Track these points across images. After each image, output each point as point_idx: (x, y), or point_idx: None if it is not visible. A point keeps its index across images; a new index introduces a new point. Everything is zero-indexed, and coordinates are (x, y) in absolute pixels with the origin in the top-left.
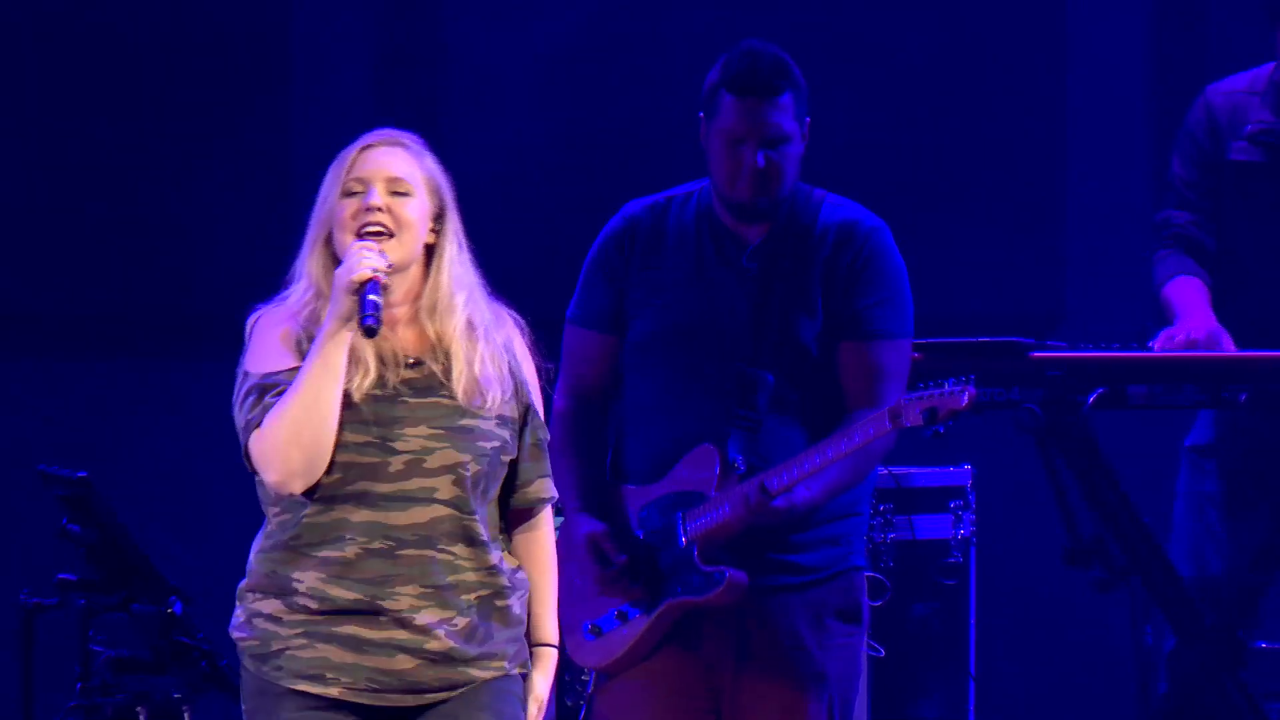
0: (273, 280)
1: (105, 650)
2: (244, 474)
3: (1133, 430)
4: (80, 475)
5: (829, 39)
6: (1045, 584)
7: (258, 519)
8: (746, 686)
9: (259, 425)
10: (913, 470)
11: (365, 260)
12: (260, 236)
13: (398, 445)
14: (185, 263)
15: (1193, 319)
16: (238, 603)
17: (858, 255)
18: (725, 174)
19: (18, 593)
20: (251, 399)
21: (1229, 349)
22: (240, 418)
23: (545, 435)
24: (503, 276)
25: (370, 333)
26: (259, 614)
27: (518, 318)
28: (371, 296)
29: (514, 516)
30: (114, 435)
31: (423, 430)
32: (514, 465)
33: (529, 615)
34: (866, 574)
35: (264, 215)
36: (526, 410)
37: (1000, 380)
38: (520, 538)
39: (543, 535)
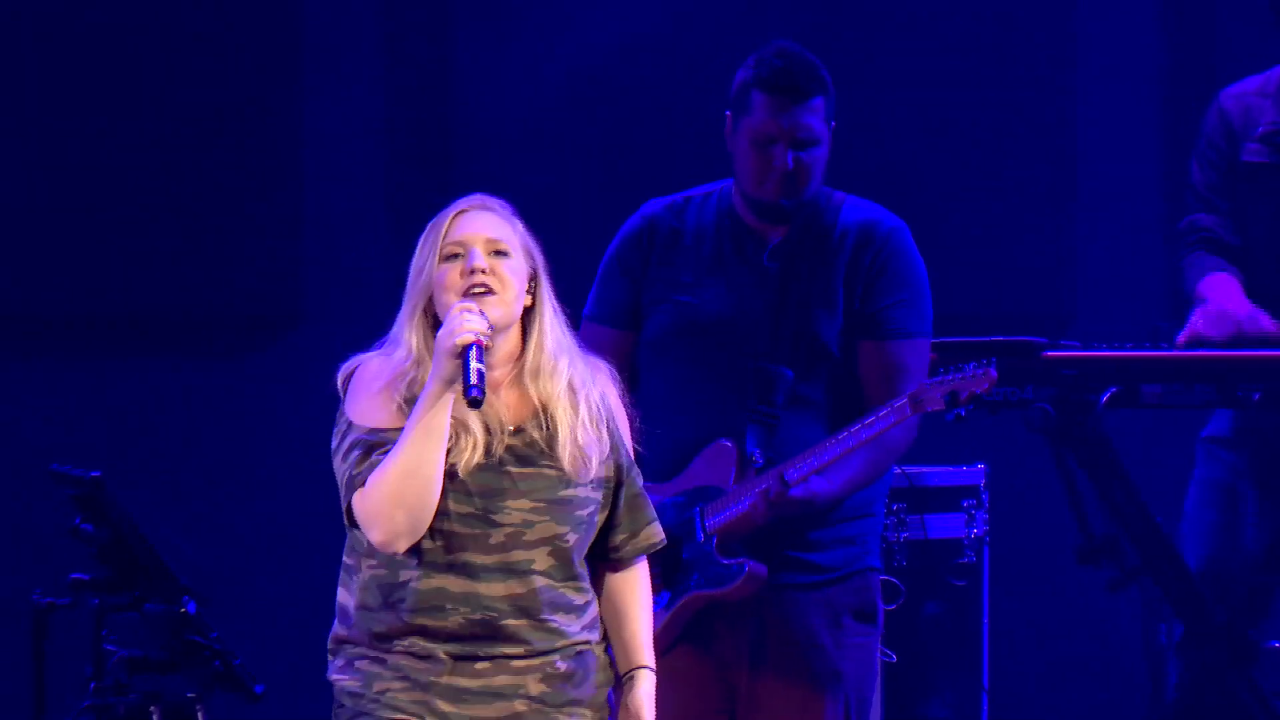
0: (284, 282)
1: (118, 650)
2: (256, 473)
3: (1146, 429)
4: (93, 475)
5: (840, 40)
6: (1058, 583)
7: (270, 518)
8: (762, 685)
9: (363, 484)
10: (926, 469)
11: (468, 323)
12: (273, 239)
13: (499, 518)
14: (199, 264)
15: (1228, 300)
16: (332, 655)
17: (877, 255)
18: (753, 173)
19: (30, 592)
20: (357, 453)
21: (1268, 326)
22: (343, 471)
23: (642, 482)
24: None
25: (476, 404)
26: (362, 657)
27: (610, 369)
28: (476, 364)
29: (621, 563)
30: (126, 435)
31: (524, 504)
32: (618, 518)
33: (626, 641)
34: (881, 577)
35: (277, 217)
36: (621, 467)
37: (1013, 379)
38: (623, 577)
39: (643, 568)
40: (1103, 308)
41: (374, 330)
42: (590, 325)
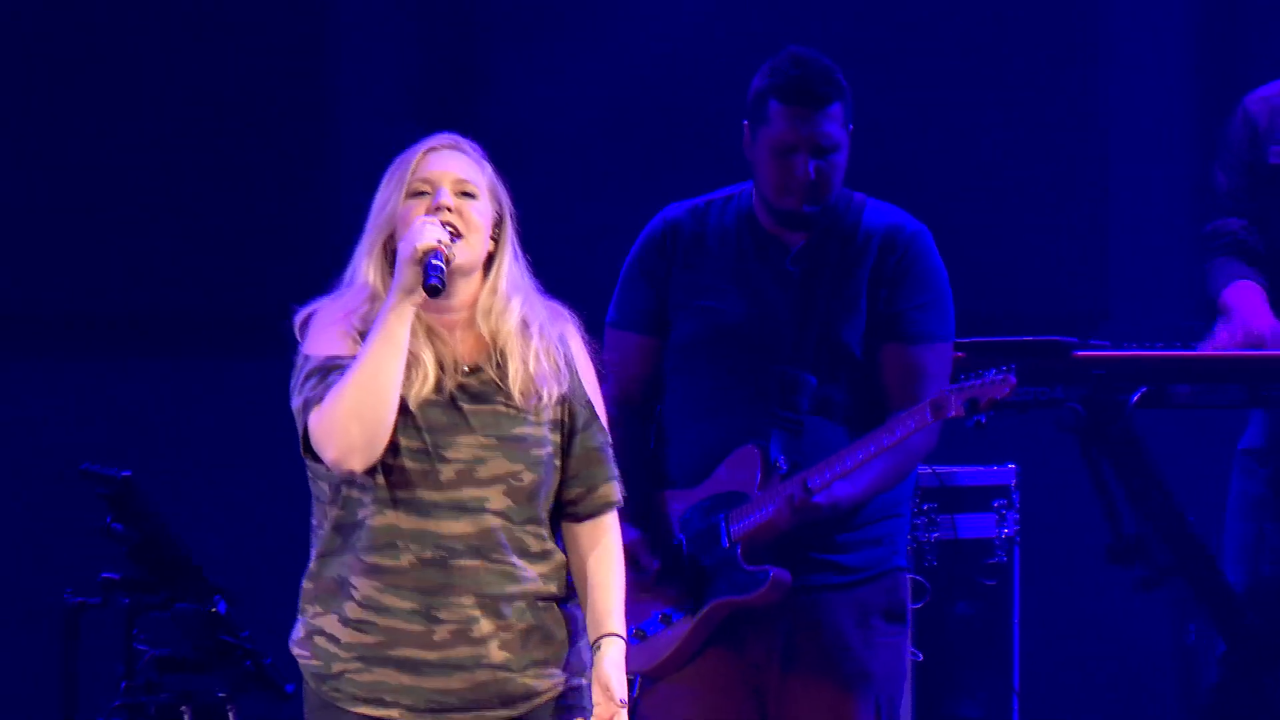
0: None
1: (149, 649)
2: (287, 472)
3: (1176, 429)
4: (124, 474)
5: (869, 39)
6: (1089, 583)
7: (301, 517)
8: (792, 687)
9: (319, 402)
10: (956, 469)
11: (429, 232)
12: (304, 237)
13: (449, 454)
14: (229, 263)
15: (1253, 316)
16: (299, 614)
17: (901, 259)
18: (774, 183)
19: (62, 592)
20: (314, 380)
21: None
22: (298, 399)
23: (606, 438)
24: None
25: (434, 292)
26: (319, 631)
27: (573, 318)
28: (435, 262)
29: (577, 518)
30: (157, 435)
31: (475, 439)
32: (574, 469)
33: (593, 608)
34: (909, 576)
35: (307, 216)
36: (583, 411)
37: (1044, 379)
38: (585, 536)
39: (609, 531)
40: (1133, 307)
41: None
42: (614, 331)
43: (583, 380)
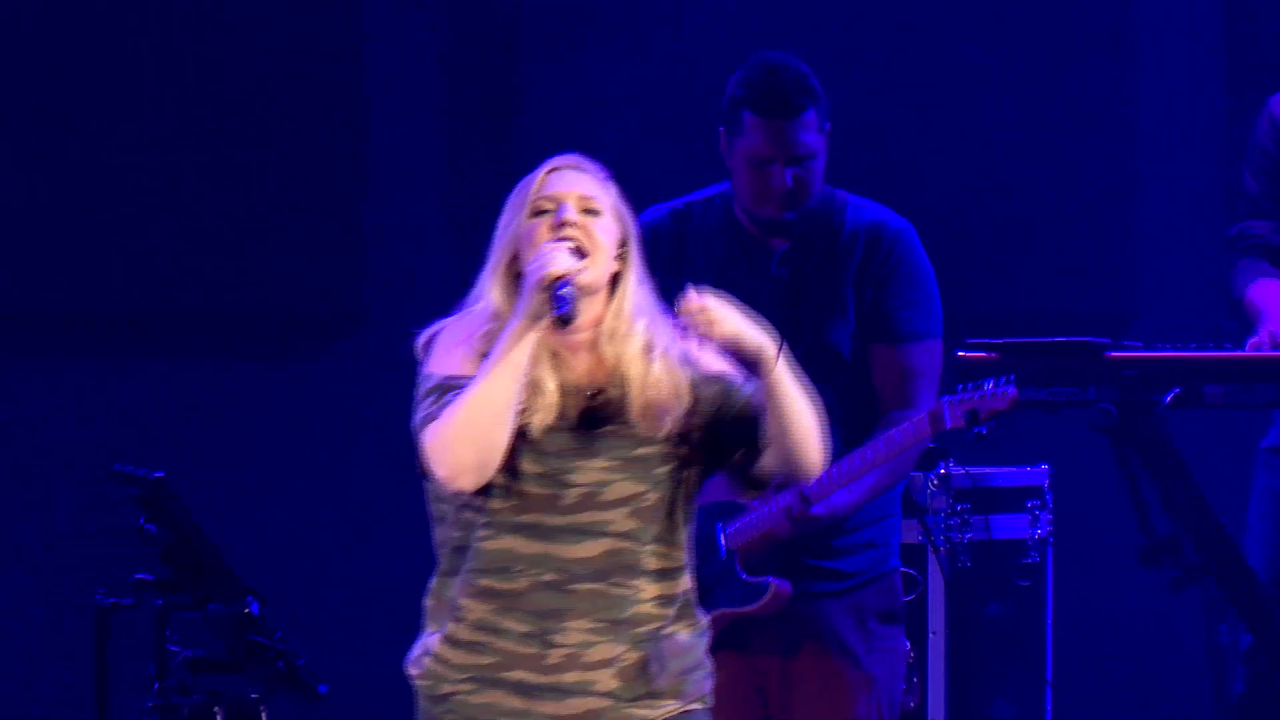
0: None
1: (181, 650)
2: (319, 474)
3: (1209, 430)
4: (156, 475)
5: (902, 39)
6: (1121, 583)
7: (333, 519)
8: (796, 693)
9: (435, 420)
10: (990, 470)
11: (559, 258)
12: (336, 241)
13: (572, 478)
14: (262, 266)
15: (1277, 320)
16: (421, 631)
17: (887, 258)
18: (752, 193)
19: (94, 593)
20: (431, 398)
21: None
22: (417, 416)
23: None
24: None
25: (564, 322)
26: (430, 652)
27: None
28: (564, 290)
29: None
30: (189, 436)
31: (599, 464)
32: (739, 419)
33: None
34: (900, 571)
35: (340, 220)
36: (722, 391)
37: (1076, 380)
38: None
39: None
40: (1165, 308)
41: None
42: None
43: (718, 376)
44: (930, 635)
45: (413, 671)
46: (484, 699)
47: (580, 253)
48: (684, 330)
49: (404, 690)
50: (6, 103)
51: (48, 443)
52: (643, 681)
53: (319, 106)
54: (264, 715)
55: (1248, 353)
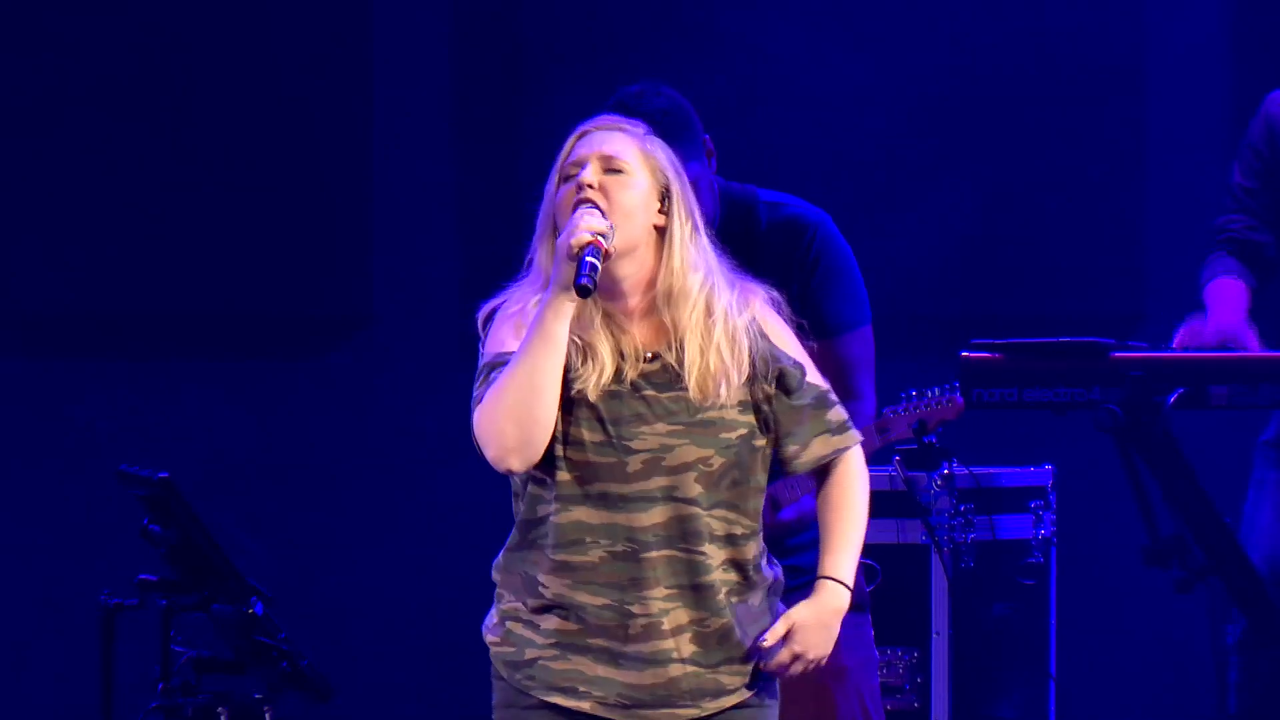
0: (354, 283)
1: (186, 651)
2: (324, 474)
3: (1213, 430)
4: (161, 476)
5: (907, 43)
6: (1126, 584)
7: (340, 519)
8: None
9: (480, 401)
10: (993, 470)
11: (585, 223)
12: (343, 240)
13: (635, 444)
14: (269, 266)
15: (1220, 315)
16: (494, 600)
17: (806, 252)
18: None
19: (99, 593)
20: (481, 377)
21: (1252, 347)
22: (472, 396)
23: (819, 391)
24: None
25: (584, 292)
26: (514, 617)
27: (770, 292)
28: (589, 259)
29: (796, 472)
30: (195, 436)
31: (661, 428)
32: (786, 428)
33: (822, 551)
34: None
35: (347, 219)
36: (792, 373)
37: (1081, 380)
38: (819, 484)
39: (840, 481)
40: (1170, 309)
41: (444, 331)
42: None
43: (782, 346)
44: (934, 636)
45: (491, 638)
46: (568, 665)
47: (595, 207)
48: (747, 290)
49: (406, 691)
50: (10, 103)
51: (54, 443)
52: (723, 648)
53: (327, 108)
54: (268, 715)
55: (1252, 353)
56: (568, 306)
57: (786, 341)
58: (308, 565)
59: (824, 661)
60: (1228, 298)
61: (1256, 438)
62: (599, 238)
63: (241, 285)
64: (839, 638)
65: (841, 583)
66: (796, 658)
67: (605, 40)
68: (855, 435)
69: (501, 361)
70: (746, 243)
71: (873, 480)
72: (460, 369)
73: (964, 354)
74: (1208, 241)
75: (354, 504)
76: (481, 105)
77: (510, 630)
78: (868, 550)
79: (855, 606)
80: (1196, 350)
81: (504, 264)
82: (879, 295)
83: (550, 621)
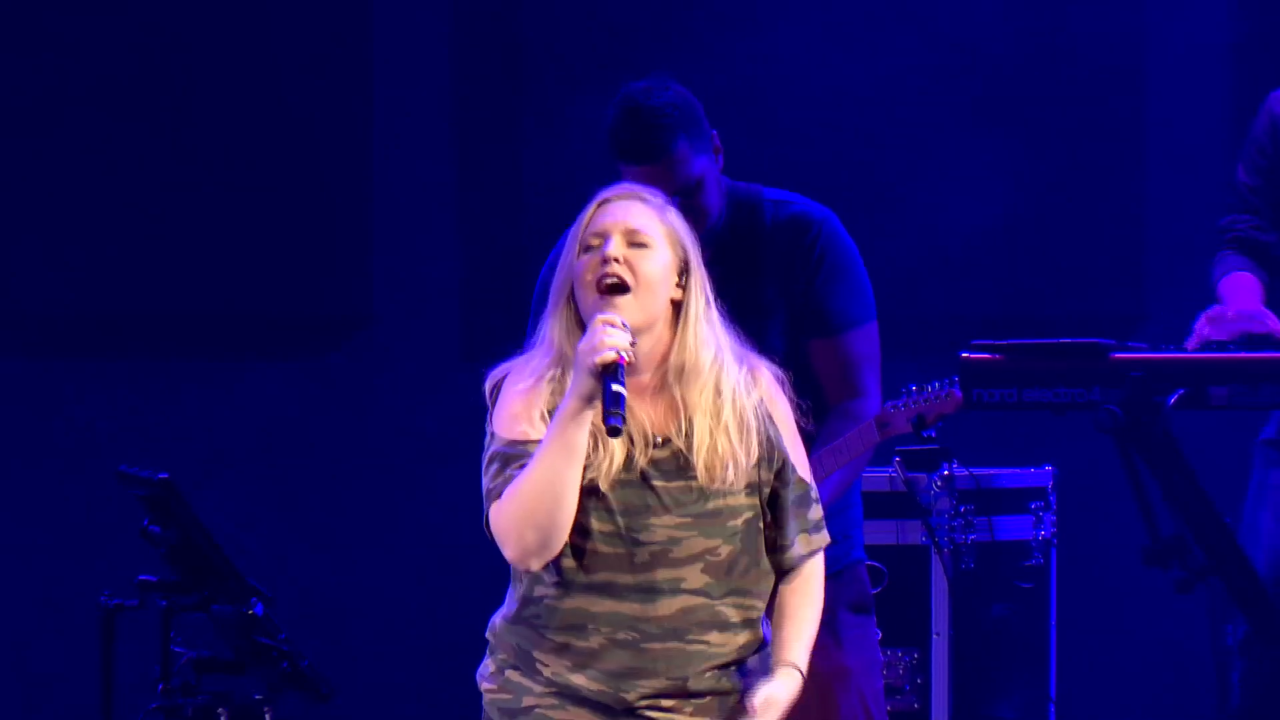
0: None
1: (186, 651)
2: (323, 474)
3: (1214, 431)
4: (161, 476)
5: (902, 41)
6: (1126, 585)
7: (340, 520)
8: None
9: (498, 497)
10: (993, 471)
11: (609, 339)
12: (342, 241)
13: (642, 536)
14: (268, 266)
15: (1239, 300)
16: (488, 654)
17: (811, 249)
18: None
19: (99, 594)
20: (495, 467)
21: (1275, 328)
22: (484, 484)
23: (805, 491)
24: None
25: (614, 433)
26: (512, 667)
27: (774, 370)
28: (615, 388)
29: (779, 566)
30: (194, 436)
31: (669, 520)
32: (777, 521)
33: (779, 637)
34: (867, 563)
35: (347, 219)
36: (778, 473)
37: (1081, 381)
38: (785, 579)
39: (809, 576)
40: (1170, 310)
41: (444, 331)
42: None
43: (783, 434)
44: (934, 637)
45: (487, 685)
46: (565, 715)
47: (622, 287)
48: (756, 368)
49: (406, 691)
50: (10, 102)
51: (54, 443)
52: (719, 713)
53: (327, 108)
54: (268, 716)
55: (1253, 354)
56: (587, 414)
57: (788, 429)
58: (308, 565)
59: None
60: (1243, 287)
61: (1255, 437)
62: (622, 355)
63: (241, 285)
64: (843, 639)
65: (800, 671)
66: None
67: (605, 40)
68: (826, 537)
69: (517, 455)
70: (751, 240)
71: (873, 481)
72: (460, 369)
73: (964, 354)
74: (1214, 241)
75: (354, 504)
76: (481, 105)
77: (508, 679)
78: (872, 552)
79: (861, 609)
80: (1198, 352)
81: (504, 264)
82: (879, 296)
83: (547, 677)
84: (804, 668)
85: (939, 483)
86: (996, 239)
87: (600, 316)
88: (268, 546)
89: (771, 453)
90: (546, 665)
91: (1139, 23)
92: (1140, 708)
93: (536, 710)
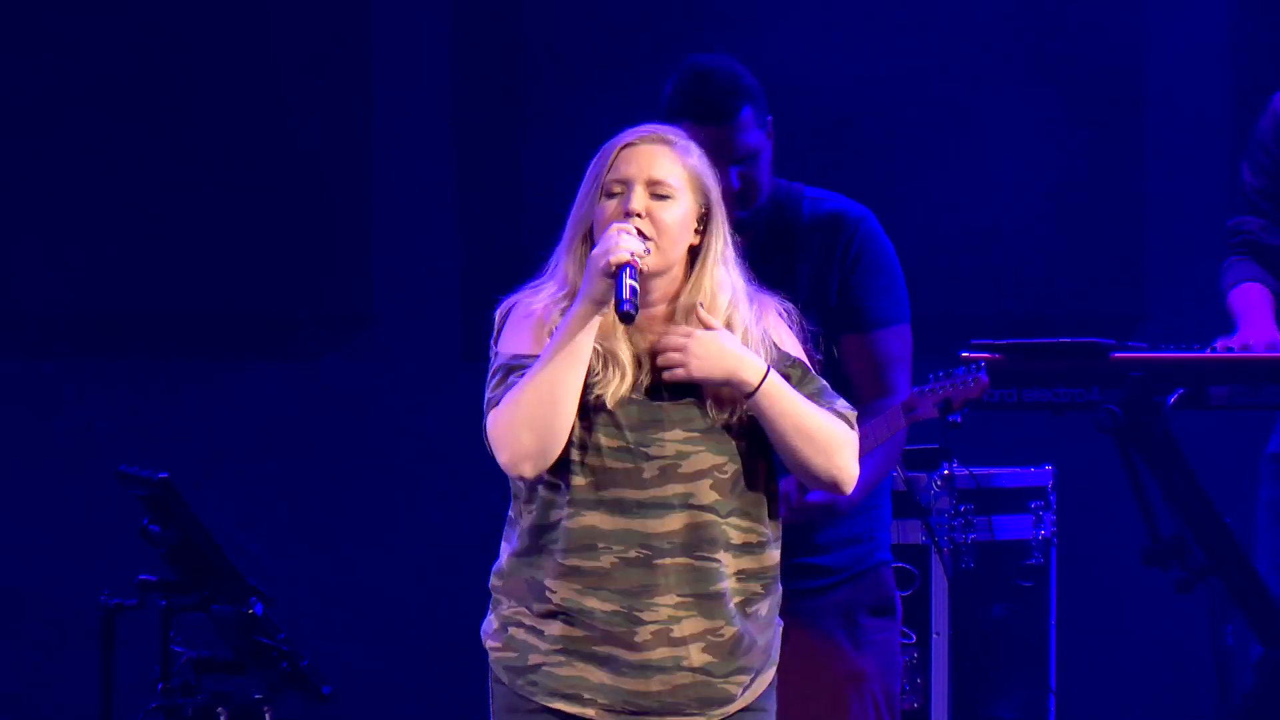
0: (355, 282)
1: (186, 651)
2: (323, 474)
3: (1213, 431)
4: (161, 476)
5: (901, 41)
6: (1126, 585)
7: (340, 519)
8: (786, 691)
9: (497, 404)
10: (993, 471)
11: (624, 243)
12: (342, 240)
13: (651, 451)
14: (269, 265)
15: (1252, 327)
16: (490, 608)
17: (848, 247)
18: None
19: (99, 593)
20: (497, 378)
21: None
22: (485, 394)
23: (820, 385)
24: None
25: (628, 319)
26: (516, 623)
27: (784, 305)
28: (629, 280)
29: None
30: (195, 436)
31: (677, 434)
32: None
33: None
34: (894, 565)
35: (347, 218)
36: (793, 372)
37: (1081, 381)
38: None
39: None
40: (1170, 309)
41: (444, 331)
42: None
43: (787, 350)
44: (934, 636)
45: (492, 644)
46: (572, 671)
47: (644, 237)
48: (766, 306)
49: (406, 691)
50: (10, 102)
51: (54, 443)
52: (733, 656)
53: (327, 107)
54: (268, 716)
55: (1252, 354)
56: (595, 320)
57: (791, 345)
58: (308, 565)
59: (691, 373)
60: (1257, 306)
61: (1258, 441)
62: (635, 257)
63: (241, 285)
64: (862, 642)
65: (766, 374)
66: (676, 355)
67: (605, 40)
68: (855, 429)
69: (519, 365)
70: (789, 236)
71: None
72: (460, 369)
73: (964, 354)
74: (1221, 244)
75: (354, 504)
76: (481, 105)
77: (512, 636)
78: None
79: (882, 612)
80: (1198, 351)
81: (504, 264)
82: None
83: (555, 627)
84: (771, 380)
85: (939, 482)
86: (996, 239)
87: (615, 225)
88: (267, 546)
89: (777, 366)
90: (555, 592)
91: (1139, 23)
92: (1140, 707)
93: (544, 668)
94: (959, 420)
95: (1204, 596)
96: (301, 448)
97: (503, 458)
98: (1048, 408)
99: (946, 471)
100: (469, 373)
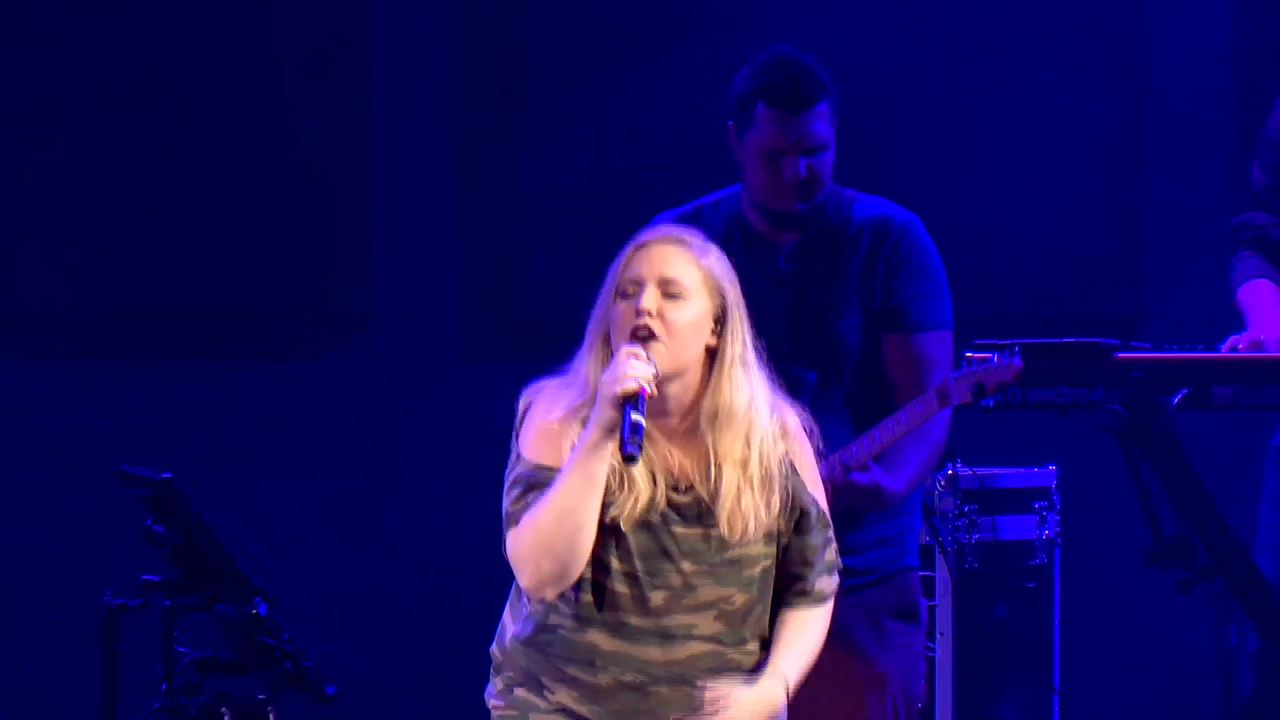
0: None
1: (189, 651)
2: (326, 474)
3: (1217, 431)
4: (164, 476)
5: (901, 41)
6: (1129, 585)
7: (342, 520)
8: (806, 691)
9: (516, 524)
10: (997, 471)
11: (631, 370)
12: (343, 241)
13: (658, 580)
14: (270, 266)
15: (1263, 323)
16: (493, 673)
17: (894, 250)
18: (765, 185)
19: (101, 593)
20: (517, 490)
21: None
22: (504, 505)
23: (827, 538)
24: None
25: (630, 461)
26: (520, 685)
27: (803, 418)
28: (634, 417)
29: (787, 604)
30: (197, 436)
31: (686, 566)
32: (792, 563)
33: (773, 651)
34: (922, 573)
35: (347, 219)
36: (810, 511)
37: (1084, 381)
38: (792, 610)
39: (820, 610)
40: (1173, 309)
41: (444, 331)
42: None
43: (808, 482)
44: (938, 636)
45: (495, 703)
46: None
47: (652, 336)
48: (784, 416)
49: (406, 691)
50: (10, 102)
51: (56, 443)
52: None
53: (327, 109)
54: (271, 716)
55: (1255, 354)
56: (608, 446)
57: (811, 477)
58: (311, 566)
59: None
60: (1267, 303)
61: (1262, 441)
62: (644, 385)
63: (241, 285)
64: (883, 645)
65: (785, 684)
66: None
67: (605, 40)
68: (837, 579)
69: (538, 481)
70: (837, 238)
71: None
72: (460, 369)
73: (966, 354)
74: (1225, 240)
75: (356, 505)
76: (481, 105)
77: (516, 696)
78: None
79: (905, 616)
80: (1200, 352)
81: (504, 264)
82: None
83: (557, 698)
84: (792, 681)
85: (943, 482)
86: (998, 239)
87: (626, 348)
88: (267, 546)
89: (792, 503)
90: (554, 693)
91: (1139, 23)
92: (1142, 707)
93: None
94: (991, 405)
95: (1208, 596)
96: (301, 448)
97: (525, 581)
98: (1051, 408)
99: (950, 471)
100: (469, 373)
